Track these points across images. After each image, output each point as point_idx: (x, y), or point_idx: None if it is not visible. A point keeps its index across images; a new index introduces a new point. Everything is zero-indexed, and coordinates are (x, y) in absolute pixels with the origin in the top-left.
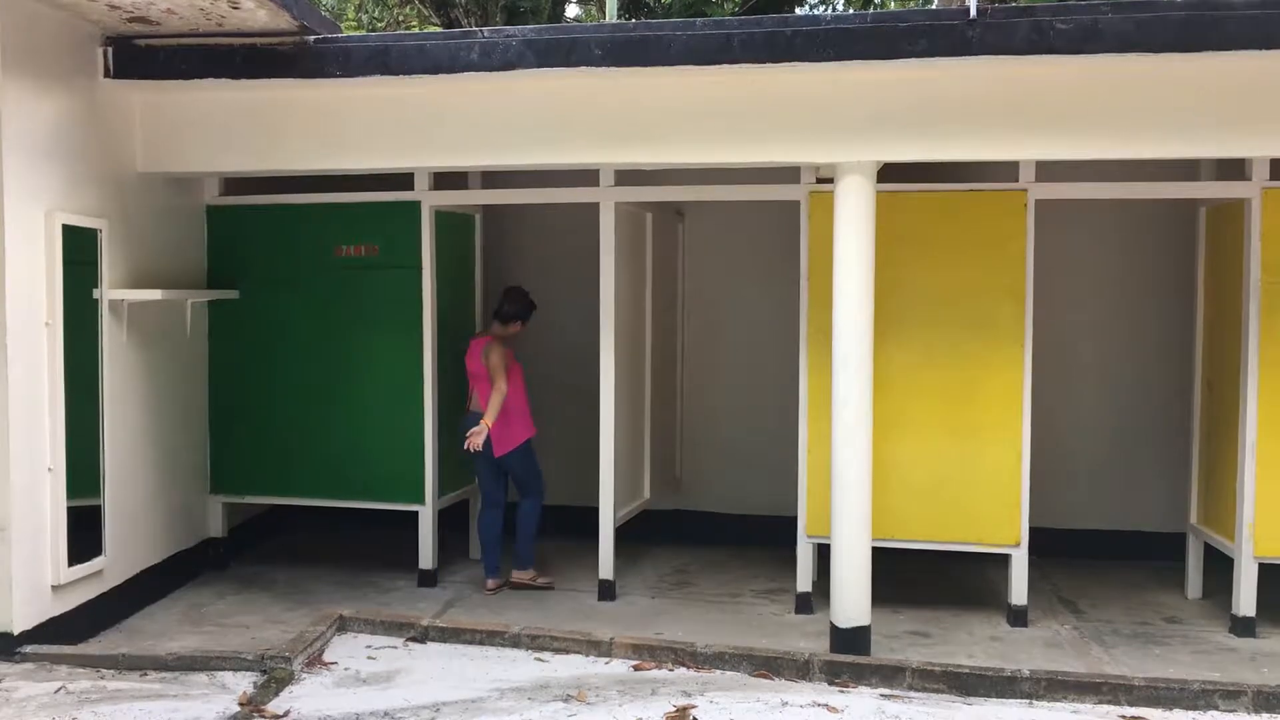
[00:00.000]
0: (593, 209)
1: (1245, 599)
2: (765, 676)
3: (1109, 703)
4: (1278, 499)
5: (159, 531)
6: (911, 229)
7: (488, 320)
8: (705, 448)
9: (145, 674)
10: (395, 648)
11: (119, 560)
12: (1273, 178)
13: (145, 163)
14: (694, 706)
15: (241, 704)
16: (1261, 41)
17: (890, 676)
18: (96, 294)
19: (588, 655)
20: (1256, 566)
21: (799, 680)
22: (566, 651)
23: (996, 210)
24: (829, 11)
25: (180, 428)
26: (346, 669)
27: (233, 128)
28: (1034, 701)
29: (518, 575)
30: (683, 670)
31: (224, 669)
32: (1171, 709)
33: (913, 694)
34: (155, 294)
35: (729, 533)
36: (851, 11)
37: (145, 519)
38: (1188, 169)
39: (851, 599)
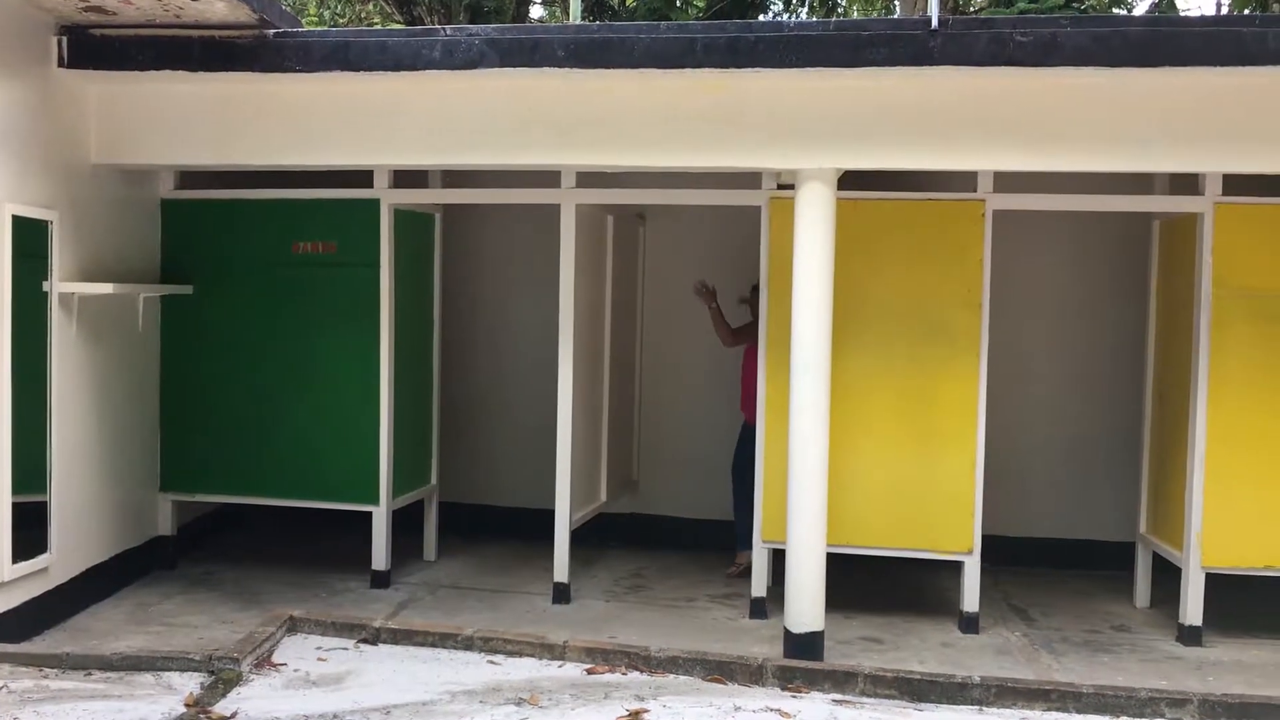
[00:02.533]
0: (554, 210)
1: (1192, 608)
2: (718, 681)
3: (1058, 710)
4: (1226, 510)
5: (106, 529)
6: (871, 237)
7: (447, 319)
8: (663, 451)
9: (90, 674)
10: (346, 649)
11: (64, 558)
12: (1225, 193)
13: (99, 154)
14: (647, 711)
15: (188, 705)
16: (1216, 58)
17: (843, 682)
18: (46, 286)
19: (541, 658)
20: (1204, 576)
21: (752, 685)
22: (520, 654)
23: (955, 220)
24: (792, 18)
25: (130, 424)
26: (296, 670)
27: (190, 120)
28: (984, 708)
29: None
30: (636, 674)
31: (171, 669)
32: (1118, 716)
33: (865, 699)
34: (106, 288)
35: (685, 537)
36: (815, 19)
37: (92, 516)
38: (1142, 183)
39: (805, 604)
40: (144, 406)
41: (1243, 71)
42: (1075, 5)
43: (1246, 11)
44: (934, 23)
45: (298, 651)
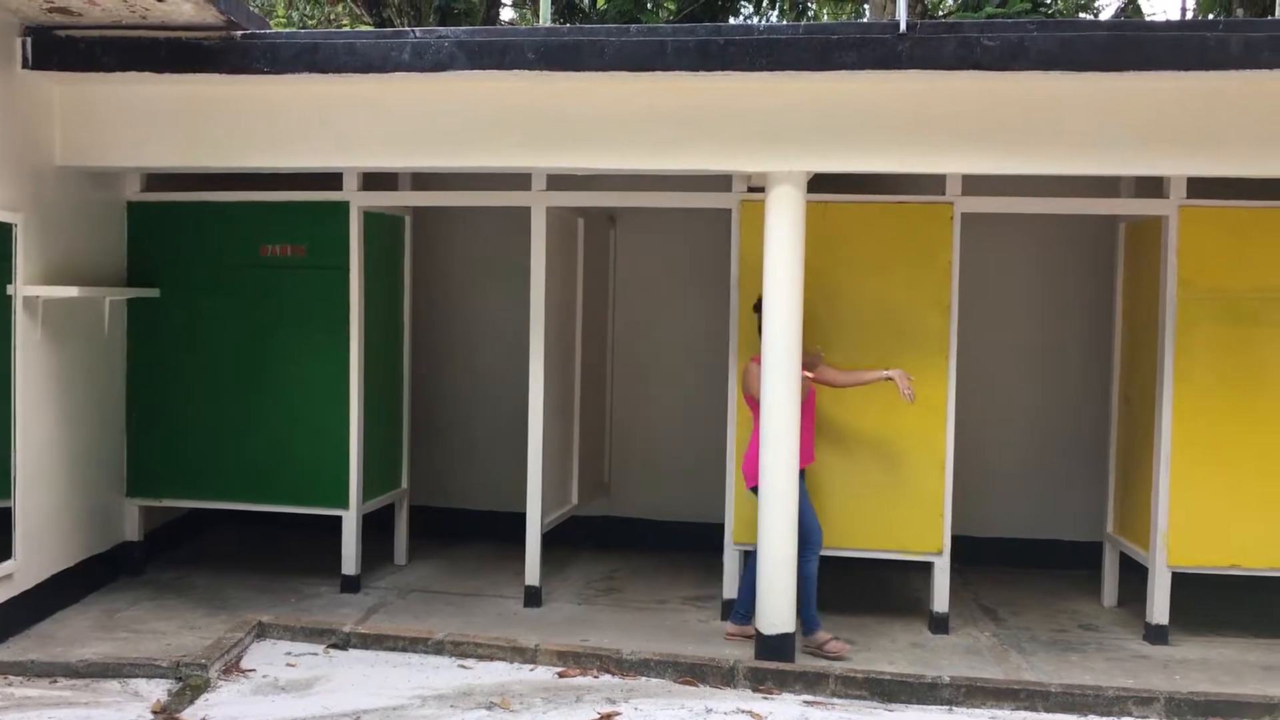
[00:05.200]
0: (524, 213)
1: (1159, 607)
2: (690, 683)
3: (1026, 709)
4: (1191, 509)
5: (72, 535)
6: (841, 239)
7: (417, 322)
8: (634, 454)
9: (55, 681)
10: (316, 654)
11: (29, 564)
12: (1189, 196)
13: (64, 156)
14: (618, 713)
15: (155, 712)
16: (1180, 63)
17: (814, 683)
18: (10, 290)
19: (512, 662)
20: (1170, 575)
21: (724, 687)
22: (491, 658)
23: (924, 222)
24: (762, 22)
25: (96, 429)
26: (265, 676)
27: (156, 122)
28: (954, 708)
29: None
30: (608, 677)
31: (137, 676)
32: (1086, 715)
33: (835, 700)
34: (71, 291)
35: (657, 539)
36: (784, 22)
37: (57, 522)
38: (1109, 186)
39: (776, 606)
40: (110, 411)
41: (1206, 76)
42: (1042, 10)
43: (1211, 16)
44: (902, 26)
45: (267, 657)
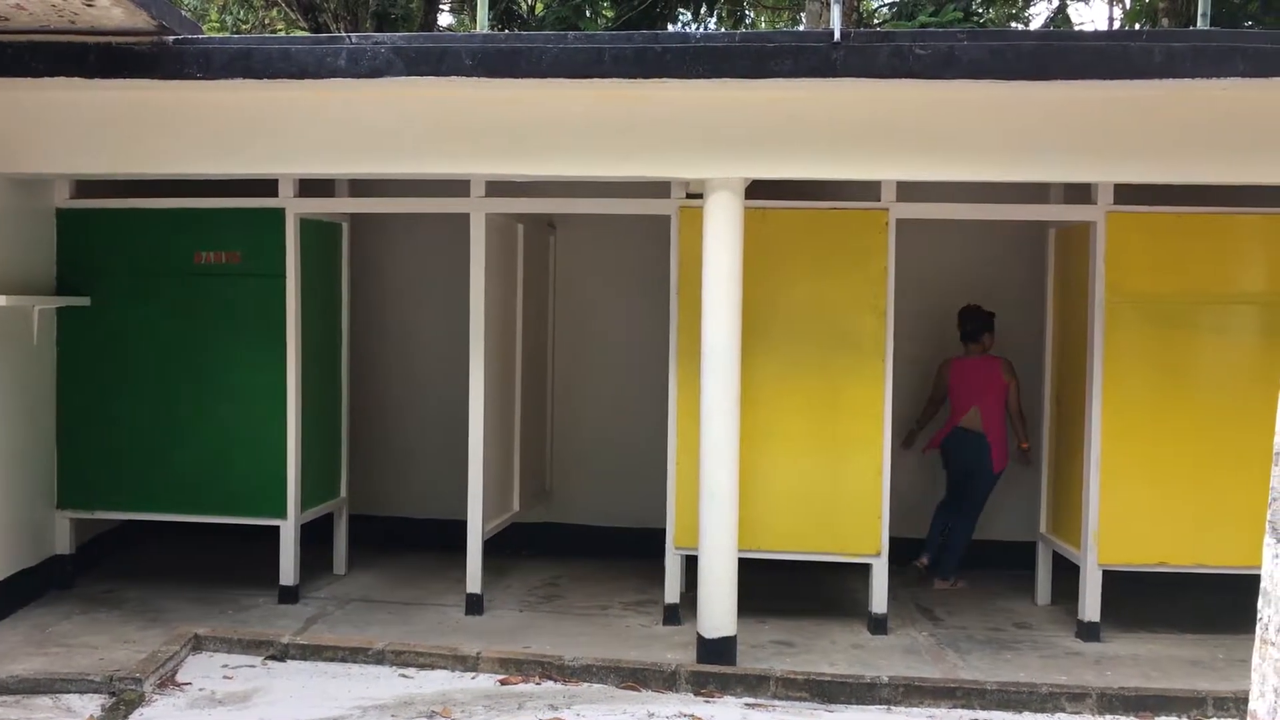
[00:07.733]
0: (463, 219)
1: (1090, 605)
2: (632, 688)
3: (963, 707)
4: (1121, 509)
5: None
6: (779, 245)
7: (355, 330)
8: (576, 460)
9: None
10: (253, 666)
11: None
12: (1116, 202)
13: None
14: None
15: None
16: (1105, 72)
17: (755, 685)
18: None
19: (454, 670)
20: (1101, 574)
21: (666, 691)
22: (432, 667)
23: (860, 228)
24: (700, 29)
25: (25, 439)
26: (201, 689)
27: (86, 129)
28: (892, 707)
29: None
30: (550, 683)
31: (70, 691)
32: (1021, 712)
33: (776, 702)
34: None
35: (599, 545)
36: (722, 30)
37: None
38: (1039, 192)
39: (718, 610)
40: (39, 421)
41: (1131, 85)
42: (974, 20)
43: (1137, 26)
44: (836, 35)
45: (203, 670)
